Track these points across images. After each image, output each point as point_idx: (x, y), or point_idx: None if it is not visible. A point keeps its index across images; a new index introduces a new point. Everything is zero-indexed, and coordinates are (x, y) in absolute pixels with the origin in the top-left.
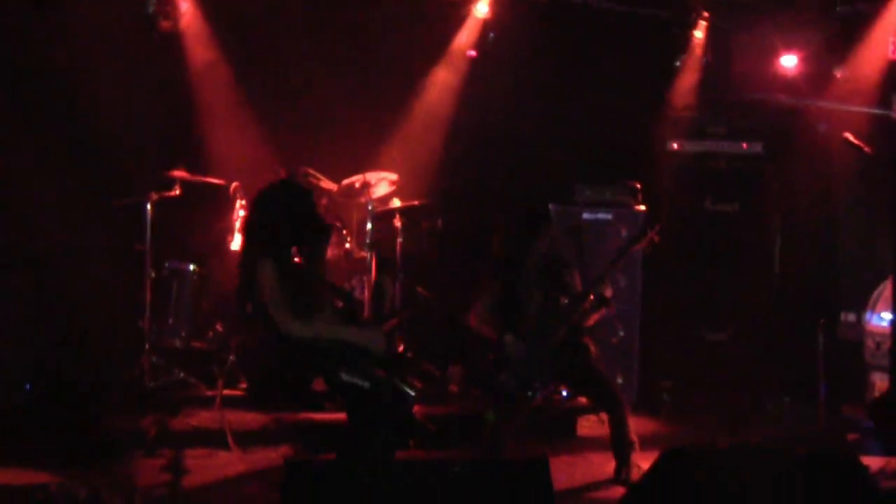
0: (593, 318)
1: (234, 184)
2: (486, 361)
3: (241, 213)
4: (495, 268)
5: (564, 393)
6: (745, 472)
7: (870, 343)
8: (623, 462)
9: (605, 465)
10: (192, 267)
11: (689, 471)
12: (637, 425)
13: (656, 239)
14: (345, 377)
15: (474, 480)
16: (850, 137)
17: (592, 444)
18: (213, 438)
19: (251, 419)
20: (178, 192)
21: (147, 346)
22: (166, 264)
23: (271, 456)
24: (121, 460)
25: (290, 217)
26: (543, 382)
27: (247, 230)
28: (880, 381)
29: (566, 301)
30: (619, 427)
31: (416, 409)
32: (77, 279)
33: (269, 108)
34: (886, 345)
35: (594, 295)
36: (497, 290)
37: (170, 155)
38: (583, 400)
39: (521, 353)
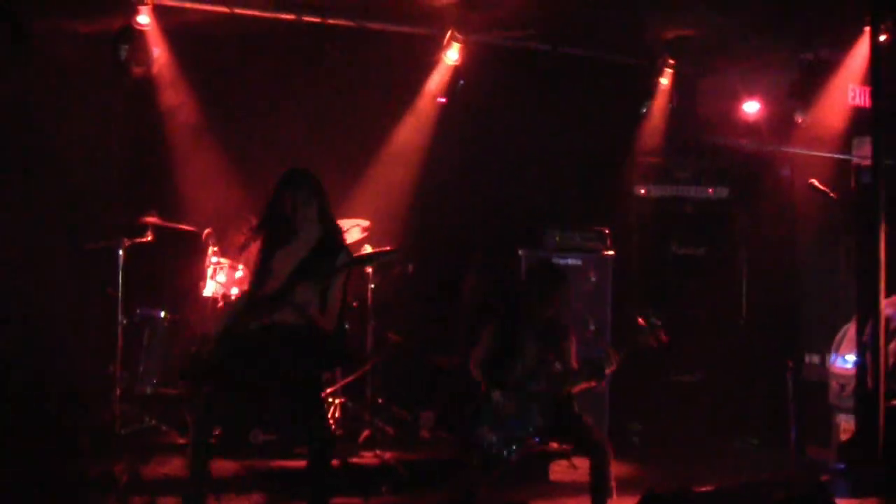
0: (582, 387)
1: (207, 230)
2: (466, 410)
3: (214, 259)
4: (498, 313)
5: (537, 439)
6: None
7: (834, 385)
8: None
9: None
10: (163, 313)
11: None
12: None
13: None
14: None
15: None
16: (816, 183)
17: (565, 489)
18: (185, 486)
19: (224, 466)
20: (150, 237)
21: (118, 392)
22: (138, 311)
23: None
24: None
25: None
26: (523, 441)
27: None
28: (846, 423)
29: (559, 367)
30: (600, 474)
31: (388, 454)
32: (47, 323)
33: (242, 155)
34: (851, 386)
35: (594, 373)
36: (493, 336)
37: (142, 200)
38: (555, 445)
39: (507, 411)
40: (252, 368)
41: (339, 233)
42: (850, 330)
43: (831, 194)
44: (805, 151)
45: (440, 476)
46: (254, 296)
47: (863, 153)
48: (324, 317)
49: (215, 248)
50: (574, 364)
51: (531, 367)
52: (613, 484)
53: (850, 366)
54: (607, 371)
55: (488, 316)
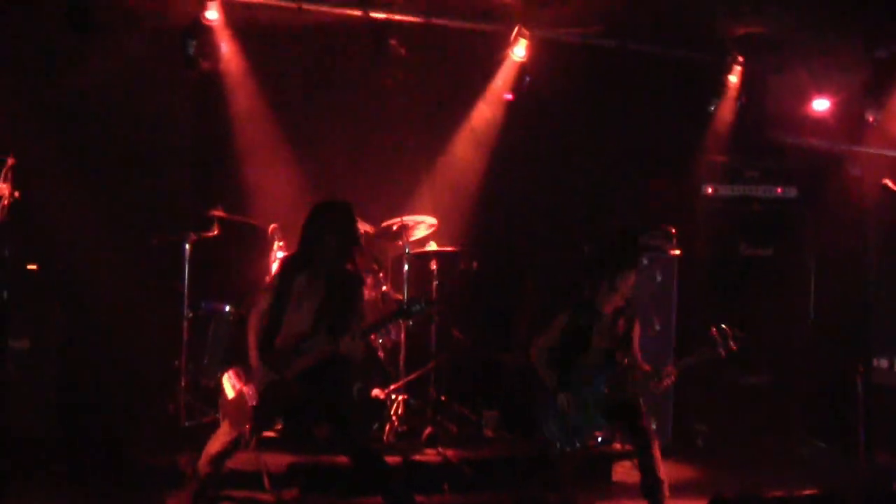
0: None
1: (273, 225)
2: (533, 404)
3: (279, 253)
4: (571, 303)
5: (600, 438)
6: None
7: None
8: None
9: None
10: (228, 307)
11: None
12: (671, 470)
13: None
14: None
15: None
16: (889, 183)
17: (627, 489)
18: (249, 480)
19: (285, 461)
20: (216, 232)
21: (183, 385)
22: (203, 304)
23: (306, 498)
24: (157, 499)
25: None
26: (587, 437)
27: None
28: None
29: (627, 362)
30: (648, 463)
31: (450, 453)
32: (115, 316)
33: (308, 150)
34: None
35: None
36: (563, 328)
37: (209, 195)
38: (618, 446)
39: (573, 411)
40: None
41: (356, 276)
42: None
43: None
44: (876, 151)
45: (503, 475)
46: (285, 330)
47: None
48: (352, 344)
49: (281, 243)
50: (637, 352)
51: (598, 365)
52: (663, 477)
53: None
54: (665, 383)
55: (560, 307)
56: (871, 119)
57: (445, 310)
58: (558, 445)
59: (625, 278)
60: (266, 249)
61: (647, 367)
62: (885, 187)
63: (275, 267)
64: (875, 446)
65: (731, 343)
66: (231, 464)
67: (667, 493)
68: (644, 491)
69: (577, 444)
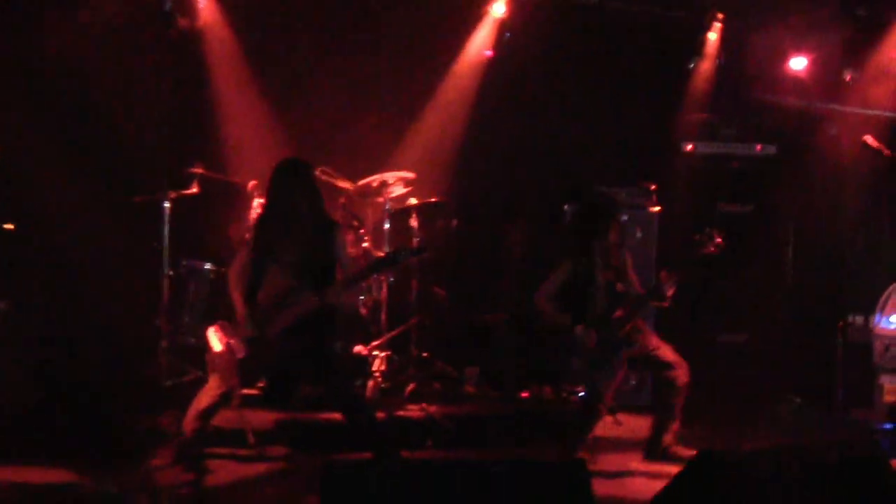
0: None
1: (252, 182)
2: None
3: (259, 211)
4: (567, 250)
5: (581, 394)
6: (779, 474)
7: (878, 346)
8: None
9: (623, 464)
10: (208, 265)
11: (723, 473)
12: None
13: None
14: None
15: (514, 482)
16: (869, 140)
17: (608, 444)
18: (232, 438)
19: (269, 418)
20: (196, 189)
21: (164, 344)
22: (183, 262)
23: (291, 455)
24: (141, 459)
25: None
26: (612, 371)
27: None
28: (889, 384)
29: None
30: (671, 391)
31: (433, 409)
32: (93, 276)
33: (288, 107)
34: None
35: (657, 295)
36: (566, 273)
37: (188, 153)
38: None
39: (591, 343)
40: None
41: (331, 223)
42: (895, 291)
43: (885, 152)
44: (853, 110)
45: (485, 431)
46: (267, 285)
47: None
48: (332, 292)
49: (261, 200)
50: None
51: (606, 299)
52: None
53: (894, 327)
54: (669, 293)
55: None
56: (847, 78)
57: (426, 266)
58: (588, 391)
59: (607, 238)
60: (246, 206)
61: (642, 291)
62: (865, 144)
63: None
64: (850, 402)
65: (713, 247)
66: (214, 421)
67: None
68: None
69: (601, 381)
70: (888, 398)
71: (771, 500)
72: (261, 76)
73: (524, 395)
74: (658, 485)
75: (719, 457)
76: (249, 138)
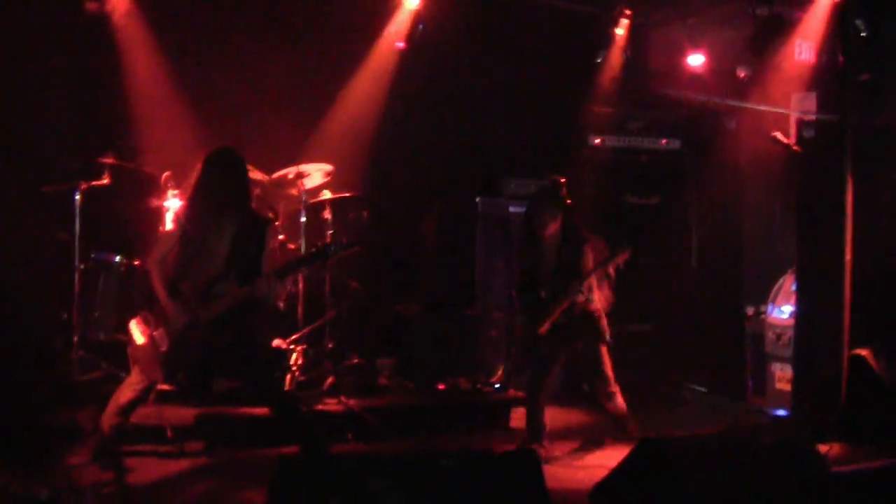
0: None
1: (166, 173)
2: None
3: (174, 202)
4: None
5: (497, 385)
6: (717, 459)
7: (770, 335)
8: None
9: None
10: (118, 258)
11: (664, 459)
12: (560, 416)
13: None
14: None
15: (465, 474)
16: (778, 136)
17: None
18: (150, 434)
19: (188, 413)
20: (107, 180)
21: (75, 339)
22: (93, 255)
23: (211, 450)
24: (57, 458)
25: None
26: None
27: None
28: (780, 372)
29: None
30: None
31: (353, 402)
32: (2, 269)
33: (201, 96)
34: (787, 336)
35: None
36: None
37: (99, 142)
38: (513, 392)
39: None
40: (210, 359)
41: (266, 219)
42: (787, 281)
43: (794, 147)
44: (747, 105)
45: (404, 423)
46: (193, 276)
47: (805, 108)
48: (261, 284)
49: (175, 191)
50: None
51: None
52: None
53: (786, 316)
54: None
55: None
56: (742, 75)
57: (340, 259)
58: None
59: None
60: (159, 198)
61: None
62: (775, 139)
63: (169, 216)
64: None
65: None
66: (132, 418)
67: None
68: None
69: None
70: (780, 385)
71: (711, 484)
72: (173, 63)
73: (440, 386)
74: (599, 473)
75: (660, 444)
76: (162, 128)
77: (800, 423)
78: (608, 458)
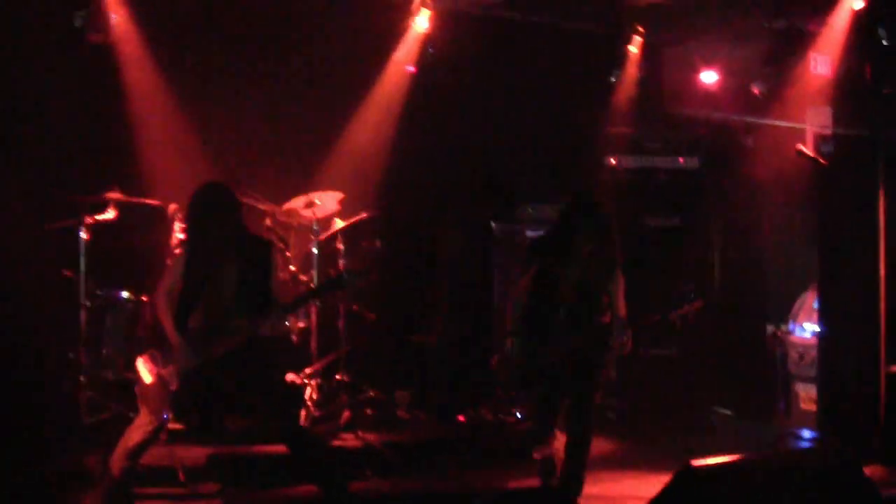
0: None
1: (173, 205)
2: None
3: (181, 235)
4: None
5: (518, 415)
6: (761, 487)
7: (793, 354)
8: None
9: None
10: (125, 294)
11: (706, 487)
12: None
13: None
14: None
15: None
16: (803, 149)
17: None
18: (161, 476)
19: (200, 453)
20: (113, 214)
21: (82, 380)
22: (99, 292)
23: (225, 491)
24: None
25: None
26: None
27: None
28: (804, 392)
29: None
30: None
31: (371, 436)
32: (6, 308)
33: (207, 127)
34: (810, 355)
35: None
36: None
37: (104, 176)
38: None
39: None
40: (222, 397)
41: (267, 243)
42: (808, 299)
43: (821, 160)
44: (764, 121)
45: (423, 457)
46: (201, 311)
47: (820, 123)
48: (273, 318)
49: (182, 224)
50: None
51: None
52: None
53: (808, 335)
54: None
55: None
56: (756, 91)
57: (354, 289)
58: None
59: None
60: (166, 231)
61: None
62: (800, 152)
63: (177, 249)
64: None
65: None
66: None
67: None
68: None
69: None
70: (804, 405)
71: None
72: (178, 95)
73: (460, 418)
74: None
75: (701, 472)
76: (168, 159)
77: (842, 447)
78: (639, 488)
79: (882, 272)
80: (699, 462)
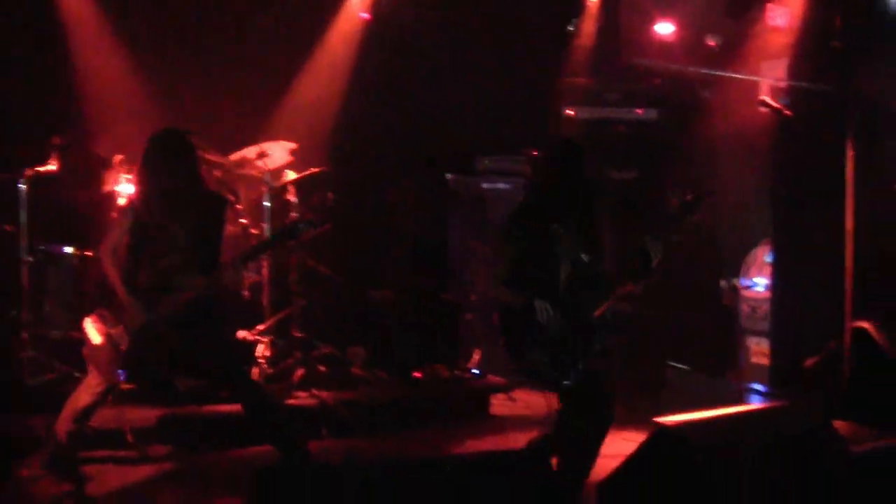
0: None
1: (119, 156)
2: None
3: (127, 186)
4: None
5: (475, 371)
6: (736, 445)
7: (745, 308)
8: None
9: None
10: (69, 249)
11: (682, 447)
12: (542, 400)
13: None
14: None
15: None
16: (768, 100)
17: (506, 422)
18: (109, 438)
19: (149, 415)
20: (55, 165)
21: (24, 338)
22: (41, 247)
23: (175, 454)
24: (11, 469)
25: None
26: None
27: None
28: (756, 346)
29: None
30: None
31: (326, 394)
32: None
33: (155, 76)
34: (762, 309)
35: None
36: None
37: (45, 126)
38: (494, 378)
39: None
40: (173, 356)
41: (221, 198)
42: (759, 254)
43: (785, 112)
44: (719, 73)
45: (379, 415)
46: (150, 267)
47: (775, 75)
48: (225, 273)
49: (129, 175)
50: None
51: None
52: None
53: (760, 289)
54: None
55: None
56: (711, 43)
57: (307, 243)
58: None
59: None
60: (112, 182)
61: None
62: (764, 103)
63: (122, 201)
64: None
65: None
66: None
67: None
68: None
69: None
70: (755, 360)
71: (732, 471)
72: (124, 41)
73: (417, 375)
74: (609, 463)
75: (678, 432)
76: (113, 109)
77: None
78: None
79: (850, 226)
80: (671, 421)
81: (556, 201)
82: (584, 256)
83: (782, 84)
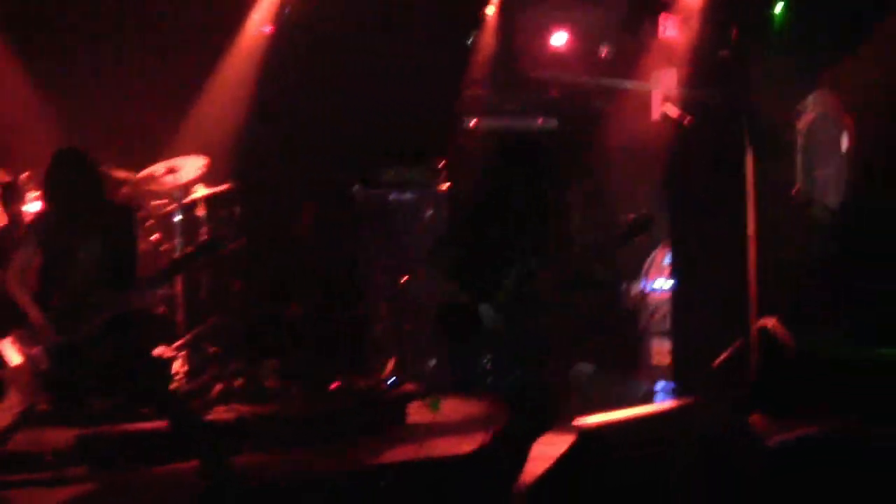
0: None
1: (24, 174)
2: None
3: (34, 205)
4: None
5: (389, 381)
6: (654, 446)
7: (647, 310)
8: None
9: (446, 448)
10: None
11: (606, 449)
12: (459, 406)
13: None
14: None
15: (406, 488)
16: (670, 110)
17: (425, 430)
18: (26, 461)
19: (65, 435)
20: None
21: None
22: None
23: (94, 474)
24: None
25: None
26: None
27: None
28: (657, 346)
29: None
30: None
31: (244, 409)
32: None
33: (60, 91)
34: (662, 311)
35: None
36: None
37: None
38: (410, 386)
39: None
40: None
41: (126, 208)
42: (657, 257)
43: (685, 120)
44: (610, 83)
45: (297, 429)
46: (63, 287)
47: (666, 84)
48: (141, 290)
49: (36, 193)
50: None
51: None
52: None
53: (659, 291)
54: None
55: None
56: (603, 53)
57: (218, 259)
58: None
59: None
60: (17, 200)
61: None
62: (666, 114)
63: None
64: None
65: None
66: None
67: None
68: None
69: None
70: (657, 360)
71: (651, 471)
72: (27, 57)
73: (332, 387)
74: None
75: (600, 435)
76: (17, 126)
77: (723, 400)
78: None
79: (752, 230)
80: (588, 423)
81: (499, 202)
82: (531, 259)
83: (671, 93)
